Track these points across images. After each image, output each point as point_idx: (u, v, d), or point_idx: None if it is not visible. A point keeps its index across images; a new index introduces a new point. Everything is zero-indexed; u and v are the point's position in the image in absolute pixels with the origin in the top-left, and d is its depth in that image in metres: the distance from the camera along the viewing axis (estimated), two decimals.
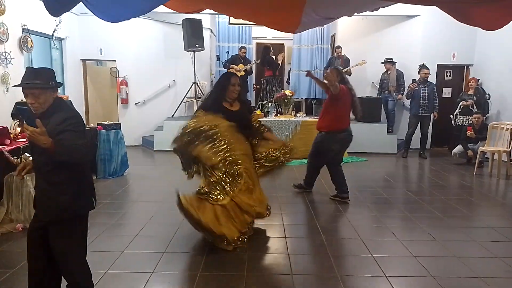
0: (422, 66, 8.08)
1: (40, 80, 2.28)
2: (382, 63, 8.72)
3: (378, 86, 9.09)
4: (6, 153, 4.16)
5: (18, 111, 5.18)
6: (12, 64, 5.89)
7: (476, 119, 7.26)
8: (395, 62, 8.66)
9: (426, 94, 7.89)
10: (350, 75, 8.79)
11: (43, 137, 2.09)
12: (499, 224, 4.30)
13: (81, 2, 3.48)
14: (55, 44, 7.63)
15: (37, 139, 2.08)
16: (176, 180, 6.19)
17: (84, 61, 8.84)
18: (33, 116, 2.28)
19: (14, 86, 2.46)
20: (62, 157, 2.20)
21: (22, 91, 2.34)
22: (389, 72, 8.68)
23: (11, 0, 5.92)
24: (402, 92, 8.66)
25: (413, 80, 8.27)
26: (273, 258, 3.42)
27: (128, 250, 3.51)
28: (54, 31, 7.25)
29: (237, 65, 8.89)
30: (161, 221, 4.30)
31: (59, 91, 7.77)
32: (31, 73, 2.32)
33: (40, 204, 2.39)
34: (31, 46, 6.44)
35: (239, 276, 3.07)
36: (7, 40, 5.82)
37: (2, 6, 5.67)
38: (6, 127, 4.77)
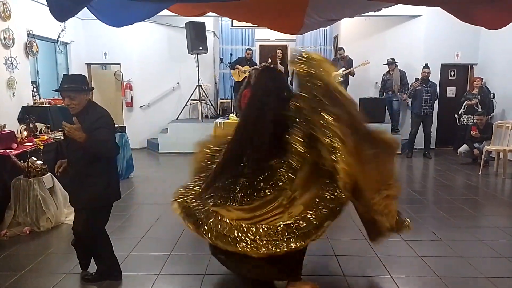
0: (424, 66, 8.11)
1: (74, 85, 2.70)
2: (385, 64, 8.71)
3: (380, 87, 9.06)
4: (13, 157, 4.20)
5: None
6: (18, 69, 5.95)
7: (479, 120, 7.22)
8: (398, 62, 8.64)
9: (429, 94, 7.90)
10: (353, 76, 8.80)
11: (79, 132, 2.52)
12: (505, 224, 4.28)
13: (85, 7, 3.52)
14: (60, 49, 7.69)
15: (73, 134, 2.52)
16: (181, 182, 6.24)
17: (89, 65, 8.90)
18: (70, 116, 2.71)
19: (54, 90, 2.98)
20: (93, 149, 2.62)
21: (60, 95, 2.78)
22: (391, 72, 8.67)
23: (17, 5, 5.98)
24: (406, 92, 8.66)
25: (415, 78, 8.27)
26: None
27: (134, 252, 3.53)
28: (59, 36, 7.31)
29: (242, 67, 8.92)
30: (167, 223, 4.31)
31: None
32: (66, 79, 2.78)
33: (74, 194, 2.85)
34: (37, 51, 6.50)
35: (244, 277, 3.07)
36: (13, 45, 5.88)
37: (8, 12, 5.73)
38: (13, 131, 4.82)
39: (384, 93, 8.92)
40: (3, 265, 3.31)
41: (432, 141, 8.46)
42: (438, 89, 8.36)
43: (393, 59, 8.63)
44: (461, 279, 3.05)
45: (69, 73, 7.97)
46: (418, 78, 8.18)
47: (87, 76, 8.83)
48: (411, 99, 8.29)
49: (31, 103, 6.21)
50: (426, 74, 8.00)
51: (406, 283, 3.00)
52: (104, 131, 2.66)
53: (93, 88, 2.90)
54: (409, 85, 8.58)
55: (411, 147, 8.30)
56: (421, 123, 8.14)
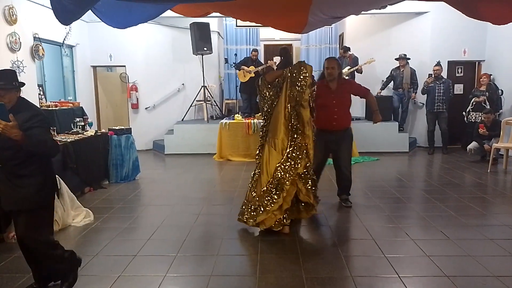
0: (436, 64, 8.11)
1: (3, 81, 2.45)
2: (396, 59, 8.62)
3: (385, 80, 8.95)
4: None
5: None
6: (24, 73, 6.00)
7: (486, 118, 7.14)
8: (409, 59, 8.57)
9: (442, 91, 7.88)
10: (361, 73, 8.74)
11: (15, 130, 2.27)
12: None
13: (90, 10, 3.54)
14: (65, 52, 7.75)
15: (9, 132, 2.26)
16: (187, 183, 6.26)
17: (94, 67, 8.96)
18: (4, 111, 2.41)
19: None
20: (31, 148, 2.40)
21: None
22: (401, 69, 8.59)
23: (22, 9, 6.03)
24: (415, 90, 8.60)
25: (429, 74, 8.21)
26: (285, 259, 3.40)
27: (140, 254, 3.54)
28: (64, 39, 7.37)
29: (248, 67, 8.91)
30: (173, 224, 4.32)
31: (70, 97, 7.79)
32: None
33: (4, 196, 2.58)
34: (43, 54, 6.55)
35: (251, 278, 3.07)
36: (19, 49, 5.93)
37: (14, 16, 5.78)
38: None
39: (393, 90, 8.82)
40: (11, 267, 3.33)
41: (439, 138, 8.38)
42: (452, 86, 8.31)
43: (405, 55, 8.54)
44: (469, 278, 3.01)
45: (70, 76, 8.05)
46: (431, 74, 8.14)
47: (92, 78, 8.91)
48: (424, 94, 8.24)
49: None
50: (436, 71, 7.97)
51: (414, 282, 2.97)
52: (42, 130, 2.47)
53: (24, 84, 2.66)
54: (419, 83, 8.53)
55: (431, 143, 8.30)
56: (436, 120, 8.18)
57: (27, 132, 2.37)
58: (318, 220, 4.41)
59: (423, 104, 8.85)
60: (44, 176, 2.59)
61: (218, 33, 10.22)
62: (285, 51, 5.27)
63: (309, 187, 3.93)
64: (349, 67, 8.62)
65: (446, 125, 8.14)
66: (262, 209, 3.79)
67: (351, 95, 4.67)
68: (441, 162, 7.56)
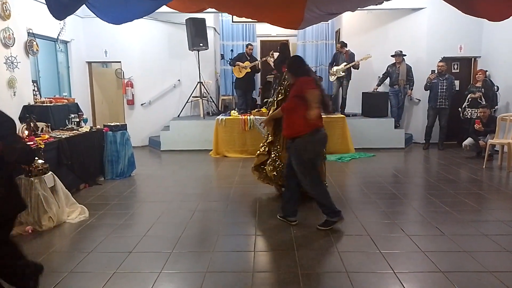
0: (440, 60, 8.18)
1: None
2: (392, 56, 8.62)
3: (381, 76, 8.95)
4: None
5: None
6: (18, 68, 5.94)
7: (482, 113, 7.16)
8: (405, 55, 8.57)
9: (445, 87, 7.95)
10: (358, 69, 8.73)
11: None
12: (509, 218, 4.24)
13: (84, 5, 3.50)
14: (60, 47, 7.68)
15: None
16: (183, 180, 6.25)
17: (89, 63, 8.89)
18: None
19: None
20: (13, 157, 2.17)
21: None
22: (397, 66, 8.59)
23: (16, 4, 5.97)
24: (411, 87, 8.60)
25: (432, 70, 8.23)
26: (280, 255, 3.41)
27: (136, 250, 3.52)
28: (59, 34, 7.30)
29: (243, 63, 8.87)
30: (169, 221, 4.31)
31: (65, 93, 7.74)
32: None
33: None
34: (37, 49, 6.49)
35: (246, 274, 3.07)
36: (13, 45, 5.87)
37: (7, 11, 5.72)
38: None
39: (389, 87, 8.82)
40: None
41: (435, 135, 8.41)
42: (454, 82, 8.33)
43: (401, 51, 8.54)
44: (464, 274, 3.02)
45: (65, 72, 7.97)
46: (434, 70, 8.16)
47: (87, 74, 8.86)
48: (427, 90, 8.25)
49: (32, 102, 6.21)
50: (440, 67, 8.01)
51: (409, 278, 2.98)
52: (16, 137, 2.29)
53: None
54: (414, 79, 8.54)
55: (428, 139, 8.36)
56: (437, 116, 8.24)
57: (4, 140, 2.14)
58: (313, 216, 4.41)
59: (419, 100, 8.87)
60: (8, 187, 2.32)
61: (214, 28, 10.17)
62: (284, 46, 5.29)
63: (269, 161, 4.91)
64: (345, 63, 8.61)
65: (446, 122, 8.20)
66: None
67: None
68: (437, 158, 7.59)
